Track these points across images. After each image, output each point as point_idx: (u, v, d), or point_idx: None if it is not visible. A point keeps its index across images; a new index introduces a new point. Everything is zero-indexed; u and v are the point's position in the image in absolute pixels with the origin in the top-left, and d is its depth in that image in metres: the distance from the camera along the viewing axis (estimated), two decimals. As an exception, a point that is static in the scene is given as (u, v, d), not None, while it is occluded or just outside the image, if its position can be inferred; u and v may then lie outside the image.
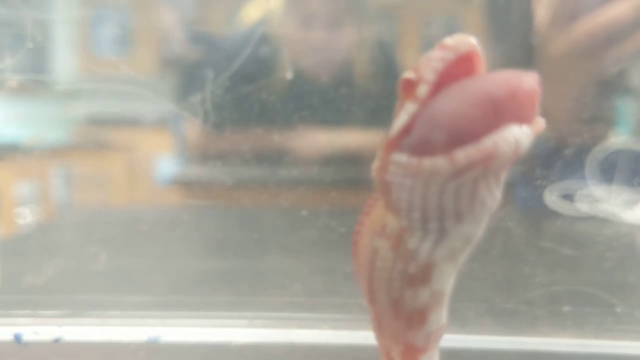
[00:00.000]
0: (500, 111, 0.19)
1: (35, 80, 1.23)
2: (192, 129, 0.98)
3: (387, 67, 0.91)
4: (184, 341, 0.44)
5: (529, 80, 0.19)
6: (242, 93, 0.77)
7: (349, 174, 0.76)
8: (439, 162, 0.19)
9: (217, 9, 1.02)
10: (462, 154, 0.19)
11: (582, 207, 0.76)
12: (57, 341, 0.45)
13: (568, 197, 0.76)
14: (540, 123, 0.21)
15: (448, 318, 0.25)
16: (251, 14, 0.94)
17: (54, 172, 1.24)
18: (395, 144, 0.21)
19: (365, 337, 0.30)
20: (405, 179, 0.20)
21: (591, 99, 0.84)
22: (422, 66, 0.20)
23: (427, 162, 0.19)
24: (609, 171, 0.74)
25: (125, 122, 1.26)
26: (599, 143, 0.74)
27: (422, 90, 0.20)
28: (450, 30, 0.94)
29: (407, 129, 0.20)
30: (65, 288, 0.58)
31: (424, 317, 0.23)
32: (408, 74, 0.21)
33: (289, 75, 0.74)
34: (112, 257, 0.67)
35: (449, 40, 0.20)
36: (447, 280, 0.23)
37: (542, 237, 0.70)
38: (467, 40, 0.20)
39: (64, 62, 1.29)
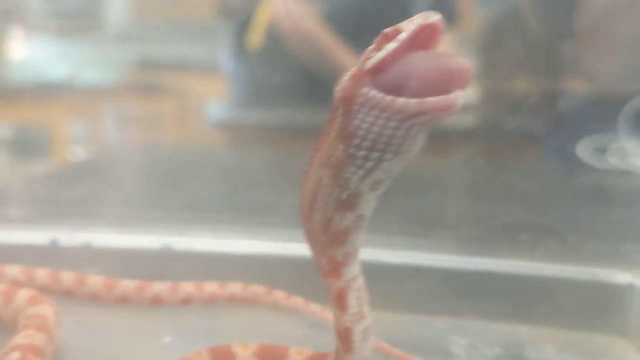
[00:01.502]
0: (452, 80, 0.24)
1: (89, 23, 1.29)
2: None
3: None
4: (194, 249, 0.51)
5: (467, 64, 0.25)
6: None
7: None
8: (410, 103, 0.24)
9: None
10: (431, 100, 0.24)
11: (614, 160, 0.77)
12: (87, 246, 0.52)
13: (600, 150, 0.77)
14: None
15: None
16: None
17: (107, 112, 1.28)
18: (364, 78, 0.25)
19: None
20: (373, 110, 0.25)
21: (630, 55, 0.84)
22: (403, 24, 0.25)
23: (401, 101, 0.24)
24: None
25: (178, 66, 1.31)
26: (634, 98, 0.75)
27: (404, 35, 0.25)
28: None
29: (380, 67, 0.25)
30: (98, 204, 0.65)
31: (345, 238, 0.29)
32: (387, 29, 0.25)
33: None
34: (145, 184, 0.74)
35: (423, 12, 0.25)
36: (369, 205, 0.28)
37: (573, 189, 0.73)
38: (437, 16, 0.25)
39: (118, 5, 1.33)
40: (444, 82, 0.24)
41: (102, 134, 1.30)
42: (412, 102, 0.24)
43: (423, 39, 0.25)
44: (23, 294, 0.42)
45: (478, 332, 0.46)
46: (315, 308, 0.46)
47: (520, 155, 0.89)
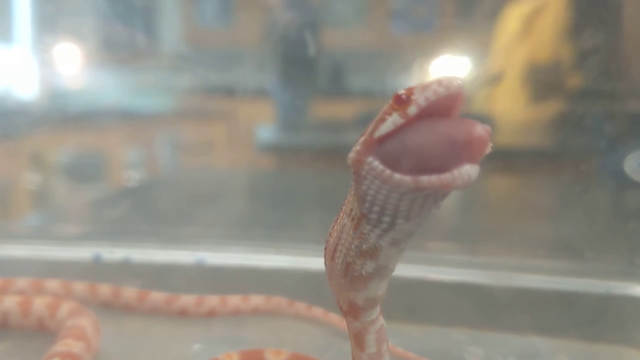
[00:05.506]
0: (457, 152, 0.24)
1: (143, 52, 1.33)
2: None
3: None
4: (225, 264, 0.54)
5: (482, 132, 0.24)
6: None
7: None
8: (406, 180, 0.24)
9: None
10: (426, 179, 0.24)
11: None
12: (126, 260, 0.56)
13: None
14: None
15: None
16: None
17: (161, 138, 1.32)
18: (373, 146, 0.25)
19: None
20: (376, 179, 0.25)
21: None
22: (417, 91, 0.24)
23: (397, 177, 0.24)
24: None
25: (229, 92, 1.34)
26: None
27: (413, 110, 0.24)
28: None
29: (386, 137, 0.25)
30: (137, 222, 0.69)
31: (365, 284, 0.28)
32: (401, 91, 0.25)
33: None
34: (187, 204, 0.77)
35: (445, 78, 0.24)
36: (391, 259, 0.28)
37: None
38: (458, 82, 0.24)
39: (170, 33, 1.37)
40: (448, 157, 0.24)
41: (156, 159, 1.33)
42: (407, 179, 0.24)
43: (441, 107, 0.25)
44: (66, 307, 0.46)
45: (495, 343, 0.47)
46: (334, 318, 0.48)
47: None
